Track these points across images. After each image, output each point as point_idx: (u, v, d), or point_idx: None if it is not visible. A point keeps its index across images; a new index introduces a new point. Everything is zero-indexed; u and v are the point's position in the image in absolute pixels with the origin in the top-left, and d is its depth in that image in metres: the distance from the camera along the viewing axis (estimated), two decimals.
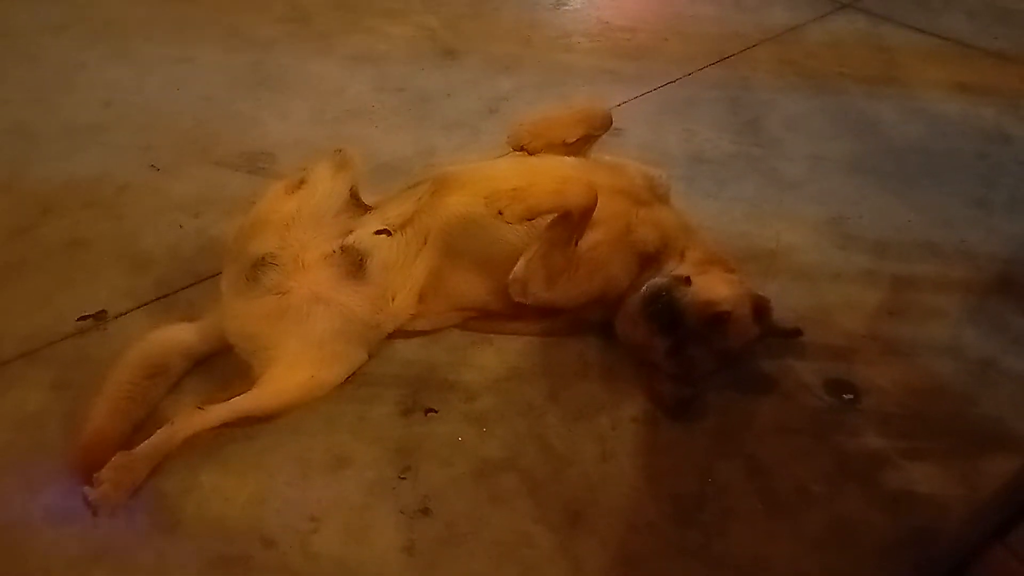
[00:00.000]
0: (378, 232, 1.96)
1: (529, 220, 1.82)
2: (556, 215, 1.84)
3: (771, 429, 1.87)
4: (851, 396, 1.95)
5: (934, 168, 2.78)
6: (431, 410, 1.87)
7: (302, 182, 2.00)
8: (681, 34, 3.61)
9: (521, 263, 1.89)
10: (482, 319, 2.06)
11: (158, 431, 1.69)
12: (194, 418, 1.73)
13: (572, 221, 1.84)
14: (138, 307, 2.08)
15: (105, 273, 2.17)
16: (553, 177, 1.91)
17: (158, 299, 2.11)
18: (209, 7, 3.58)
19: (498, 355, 2.02)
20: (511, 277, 1.90)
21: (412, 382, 1.94)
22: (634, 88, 3.13)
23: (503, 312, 2.01)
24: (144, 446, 1.67)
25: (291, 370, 1.81)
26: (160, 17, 3.48)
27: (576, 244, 1.89)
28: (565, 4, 3.84)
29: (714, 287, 1.86)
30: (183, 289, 2.14)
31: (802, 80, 3.28)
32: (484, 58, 3.32)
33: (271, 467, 1.73)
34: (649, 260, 1.98)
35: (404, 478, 1.72)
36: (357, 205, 2.05)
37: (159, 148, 2.67)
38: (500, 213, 1.78)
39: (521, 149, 2.12)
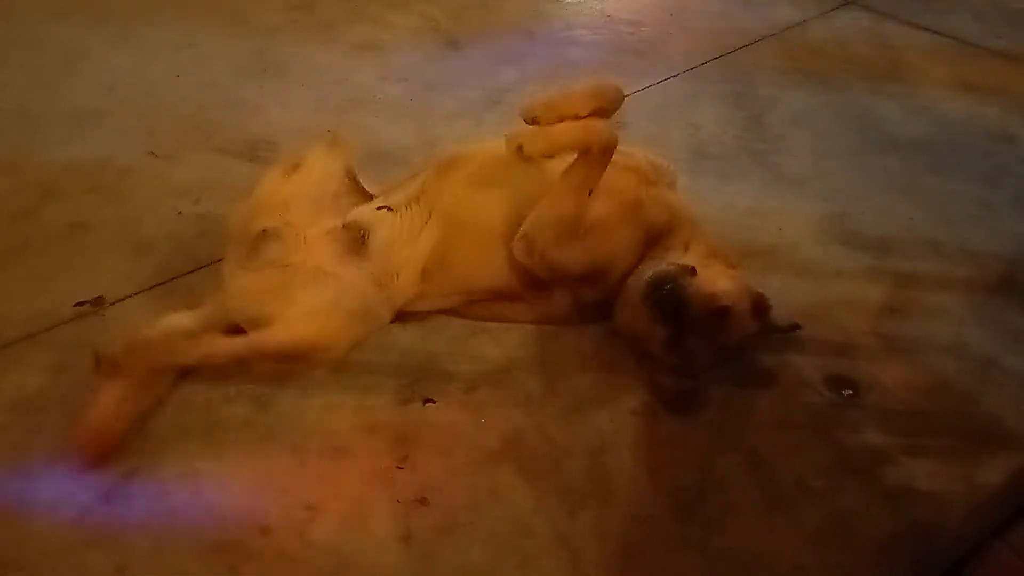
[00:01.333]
0: (380, 208, 1.97)
1: (549, 157, 1.86)
2: (574, 160, 1.86)
3: (771, 424, 1.87)
4: (851, 392, 1.95)
5: (938, 166, 2.77)
6: (430, 400, 1.86)
7: (297, 166, 2.01)
8: (685, 28, 3.60)
9: (531, 217, 1.89)
10: (482, 302, 2.04)
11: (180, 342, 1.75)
12: (213, 340, 1.76)
13: (591, 160, 1.86)
14: (137, 292, 2.07)
15: (105, 258, 2.17)
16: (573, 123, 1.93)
17: (158, 285, 2.10)
18: None
19: (497, 346, 2.01)
20: (519, 234, 1.89)
21: (411, 372, 1.93)
22: (637, 82, 3.11)
23: (504, 291, 2.00)
24: (163, 339, 1.73)
25: (309, 312, 1.81)
26: (164, 3, 3.47)
27: (590, 194, 1.89)
28: None
29: (717, 281, 1.85)
30: (183, 275, 2.13)
31: (806, 76, 3.27)
32: (487, 49, 3.31)
33: (269, 455, 1.72)
34: (653, 242, 1.97)
35: (402, 468, 1.72)
36: (360, 192, 2.05)
37: (161, 134, 2.66)
38: (520, 148, 1.83)
39: (533, 122, 2.10)
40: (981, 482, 1.73)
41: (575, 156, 1.90)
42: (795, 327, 2.03)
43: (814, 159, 2.77)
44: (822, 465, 1.77)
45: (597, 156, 1.87)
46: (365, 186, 2.05)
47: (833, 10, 3.81)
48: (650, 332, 1.86)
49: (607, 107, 2.15)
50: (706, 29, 3.60)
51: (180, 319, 1.90)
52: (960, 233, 2.46)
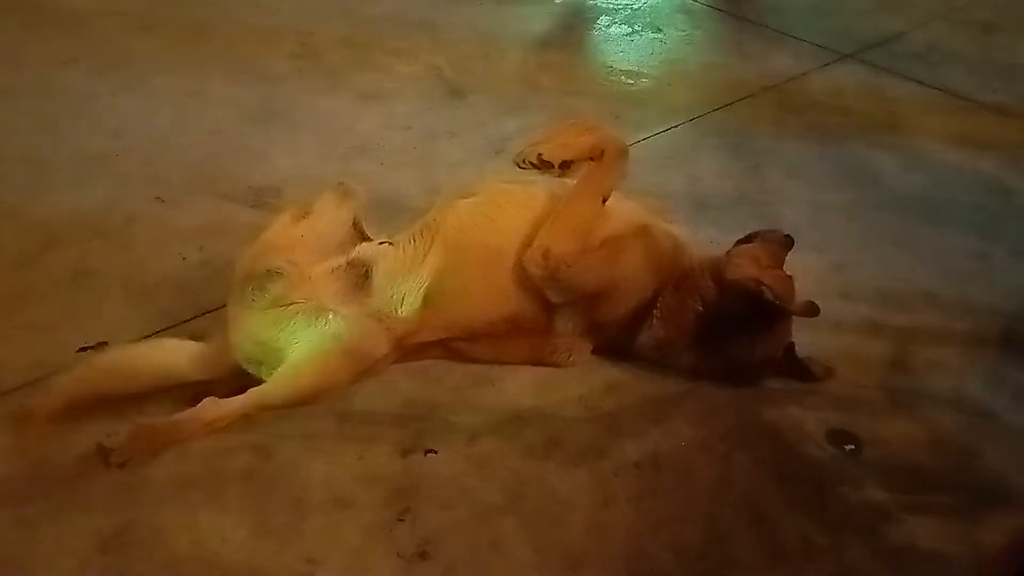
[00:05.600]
0: (382, 243, 2.03)
1: (566, 164, 1.97)
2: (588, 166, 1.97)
3: (773, 478, 1.86)
4: (853, 447, 1.95)
5: (934, 219, 2.80)
6: (431, 451, 1.86)
7: (307, 213, 2.05)
8: (685, 80, 3.66)
9: (545, 227, 1.93)
10: (483, 339, 2.03)
11: (180, 413, 1.76)
12: (214, 406, 1.77)
13: (606, 164, 1.95)
14: (141, 338, 2.07)
15: (110, 304, 2.18)
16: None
17: (162, 331, 2.10)
18: (220, 41, 3.62)
19: (499, 396, 2.01)
20: (534, 244, 1.92)
21: (413, 422, 1.93)
22: (637, 132, 3.14)
23: (506, 319, 2.00)
24: (163, 421, 1.75)
25: (307, 358, 1.83)
26: (171, 50, 3.52)
27: (604, 203, 1.96)
28: (571, 48, 3.89)
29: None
30: (186, 321, 2.13)
31: (804, 129, 3.31)
32: (491, 99, 3.35)
33: (269, 507, 1.72)
34: (664, 275, 2.02)
35: (403, 520, 1.71)
36: (363, 239, 2.08)
37: (167, 180, 2.68)
38: (540, 156, 1.94)
39: (527, 164, 2.14)
40: (984, 541, 1.72)
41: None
42: (830, 372, 2.09)
43: (812, 211, 2.80)
44: (825, 521, 1.77)
45: (611, 160, 1.95)
46: (370, 236, 2.07)
47: (831, 63, 3.86)
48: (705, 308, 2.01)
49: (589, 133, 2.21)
50: (706, 81, 3.66)
51: (178, 347, 1.93)
52: (958, 286, 2.48)
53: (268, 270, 1.91)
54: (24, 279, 2.24)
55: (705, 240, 2.53)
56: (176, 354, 1.91)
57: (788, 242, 2.18)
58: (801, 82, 3.69)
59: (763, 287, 1.95)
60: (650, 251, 2.02)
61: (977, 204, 2.91)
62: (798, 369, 2.07)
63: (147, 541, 1.63)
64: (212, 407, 1.79)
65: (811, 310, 1.94)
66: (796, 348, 2.08)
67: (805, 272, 2.47)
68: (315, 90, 3.31)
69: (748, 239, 2.18)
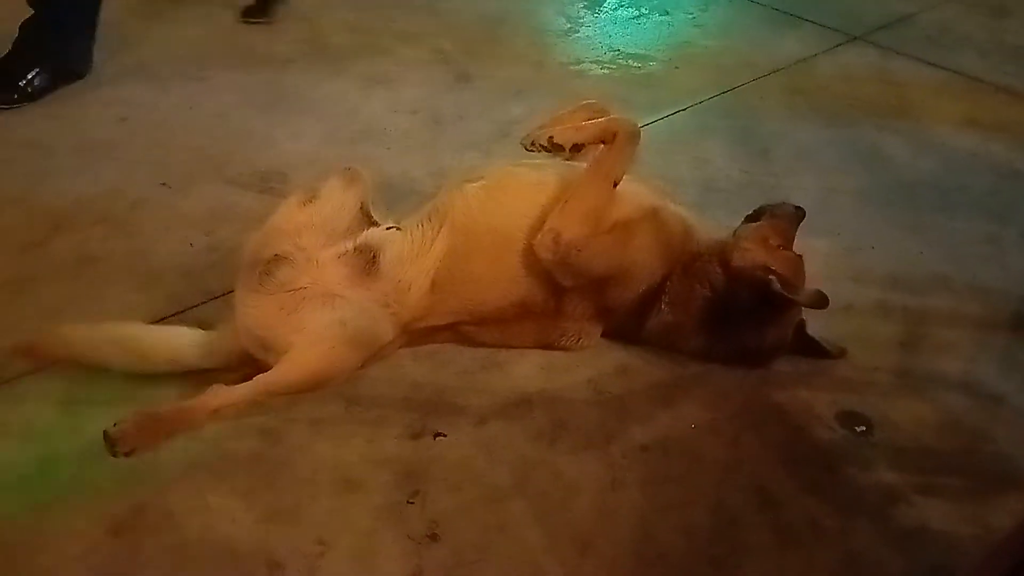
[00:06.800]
0: (389, 228, 2.01)
1: (577, 148, 1.95)
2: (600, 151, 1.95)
3: (783, 461, 1.85)
4: (864, 428, 1.94)
5: (945, 202, 2.78)
6: (440, 434, 1.85)
7: (313, 197, 2.03)
8: (692, 63, 3.63)
9: (556, 211, 1.91)
10: (490, 323, 2.03)
11: (186, 401, 1.74)
12: (221, 393, 1.75)
13: (617, 148, 1.92)
14: (148, 324, 2.07)
15: (115, 290, 2.17)
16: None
17: (168, 317, 2.10)
18: (225, 26, 3.61)
19: (507, 380, 2.01)
20: (544, 228, 1.90)
21: (421, 405, 1.92)
22: (645, 116, 3.12)
23: (514, 303, 1.99)
24: (169, 409, 1.72)
25: (314, 343, 1.82)
26: (176, 35, 3.51)
27: (616, 186, 1.94)
28: (577, 31, 3.86)
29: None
30: (193, 307, 2.13)
31: (812, 111, 3.29)
32: (497, 82, 3.34)
33: (279, 489, 1.71)
34: (675, 257, 2.01)
35: (412, 503, 1.71)
36: (370, 223, 2.07)
37: (172, 165, 2.68)
38: (551, 139, 1.93)
39: (534, 147, 2.12)
40: (995, 524, 1.71)
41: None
42: (843, 352, 2.09)
43: (822, 194, 2.78)
44: (834, 504, 1.76)
45: (623, 143, 1.92)
46: (377, 220, 2.07)
47: (839, 46, 3.84)
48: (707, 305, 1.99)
49: (597, 117, 2.20)
50: (713, 64, 3.63)
51: (185, 333, 1.91)
52: (969, 269, 2.46)
53: (275, 255, 1.90)
54: (29, 265, 2.23)
55: (715, 223, 2.53)
56: (183, 340, 1.90)
57: (799, 215, 2.14)
58: (810, 65, 3.67)
59: (770, 278, 1.93)
60: (660, 235, 2.00)
61: (988, 187, 2.89)
62: (810, 346, 2.06)
63: (157, 524, 1.63)
64: (219, 394, 1.77)
65: (819, 301, 1.91)
66: (807, 326, 2.07)
67: (816, 256, 2.46)
68: (320, 74, 3.30)
69: (756, 215, 2.15)
